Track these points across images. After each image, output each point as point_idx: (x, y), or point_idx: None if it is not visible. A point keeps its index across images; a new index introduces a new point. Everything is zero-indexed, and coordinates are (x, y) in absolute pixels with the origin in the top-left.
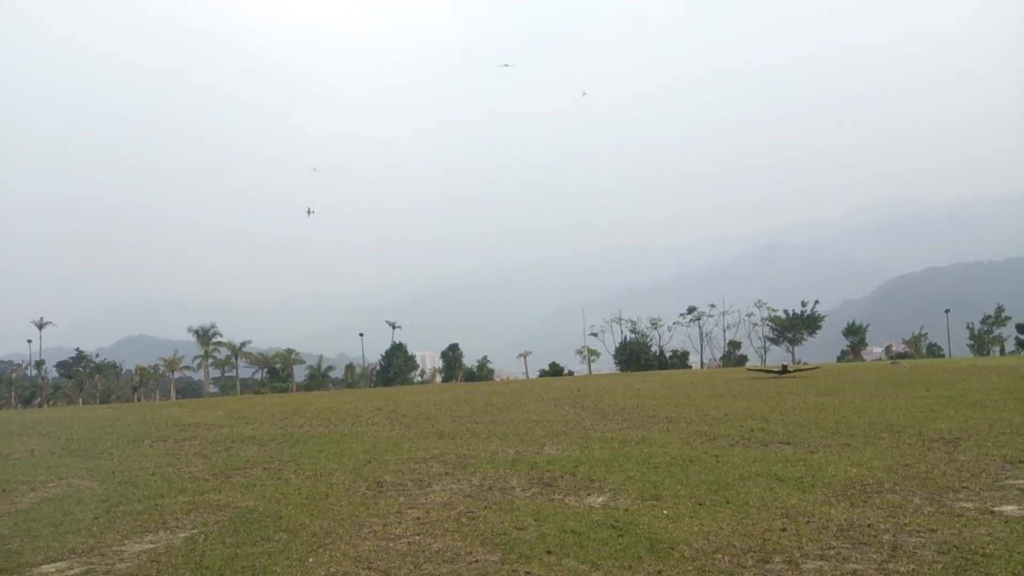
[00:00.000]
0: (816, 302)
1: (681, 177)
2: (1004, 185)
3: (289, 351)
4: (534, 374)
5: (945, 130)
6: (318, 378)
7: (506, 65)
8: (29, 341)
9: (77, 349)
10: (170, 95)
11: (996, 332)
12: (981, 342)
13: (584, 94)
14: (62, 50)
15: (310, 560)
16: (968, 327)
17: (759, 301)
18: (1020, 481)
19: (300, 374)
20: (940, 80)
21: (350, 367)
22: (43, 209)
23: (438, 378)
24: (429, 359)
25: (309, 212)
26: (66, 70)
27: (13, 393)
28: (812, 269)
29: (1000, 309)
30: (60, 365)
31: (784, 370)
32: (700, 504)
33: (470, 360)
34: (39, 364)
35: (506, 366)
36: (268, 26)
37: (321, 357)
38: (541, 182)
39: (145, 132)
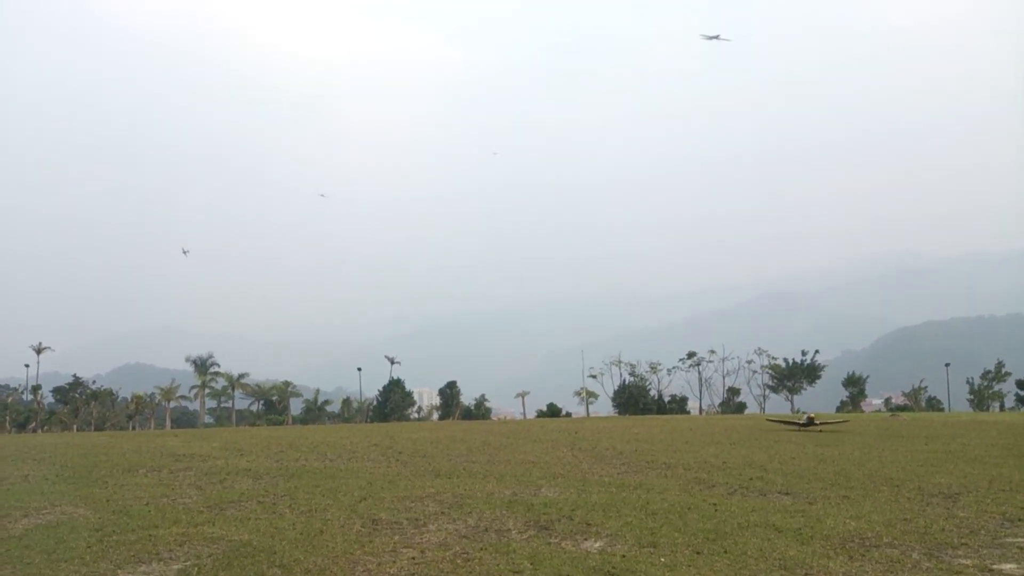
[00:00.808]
0: (816, 351)
1: (684, 220)
2: (1007, 238)
3: (286, 383)
4: (532, 414)
5: (946, 180)
6: (314, 411)
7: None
8: (26, 366)
9: (74, 375)
10: (175, 118)
11: (996, 387)
12: (981, 397)
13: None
14: (72, 71)
15: None
16: (968, 382)
17: (759, 348)
18: (1019, 539)
19: (296, 407)
20: (944, 128)
21: (347, 401)
22: (43, 232)
23: (435, 415)
24: (427, 395)
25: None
26: (75, 91)
27: (8, 417)
28: (812, 318)
29: (1000, 364)
30: (56, 391)
31: (810, 422)
32: (698, 553)
33: (467, 398)
34: (35, 389)
35: (503, 405)
36: (277, 55)
37: (318, 391)
38: (544, 220)
39: (149, 155)
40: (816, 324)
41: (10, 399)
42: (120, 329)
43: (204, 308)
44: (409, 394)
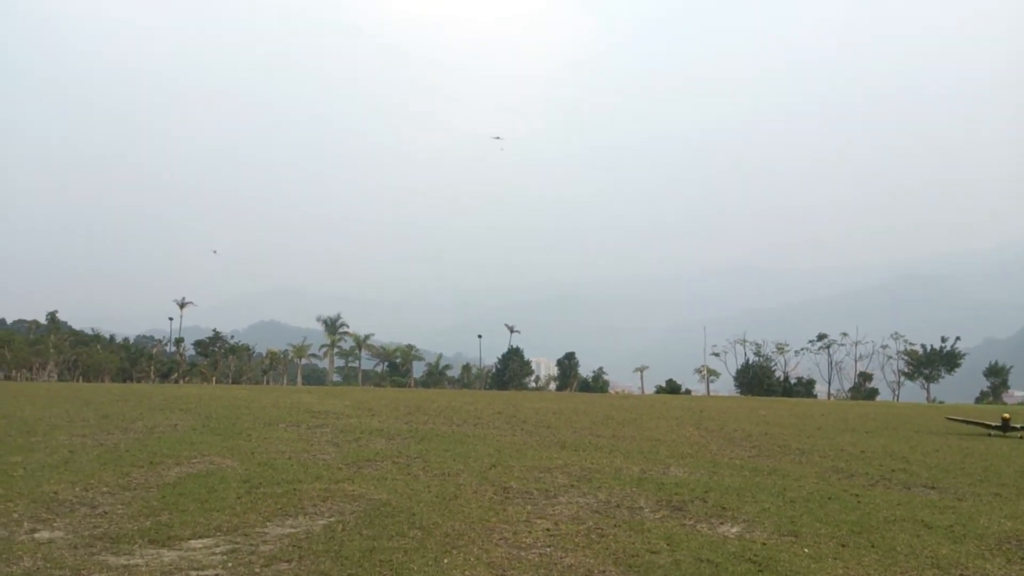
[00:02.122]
0: (957, 338)
1: (819, 199)
2: None
3: (410, 347)
4: (650, 389)
5: None
6: (435, 375)
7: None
8: (170, 319)
9: (214, 330)
10: (303, 87)
11: None
12: None
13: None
14: (206, 43)
15: (445, 561)
16: None
17: (895, 333)
18: None
19: (418, 370)
20: None
21: (467, 367)
22: (197, 203)
23: (552, 385)
24: (544, 365)
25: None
26: (215, 62)
27: (152, 367)
28: (954, 304)
29: None
30: (197, 344)
31: (1006, 425)
32: (843, 545)
33: (585, 370)
34: (178, 341)
35: (621, 379)
36: (401, 17)
37: (440, 356)
38: (669, 193)
39: (277, 123)
40: (958, 310)
41: (155, 350)
42: (255, 288)
43: (331, 270)
44: (527, 363)
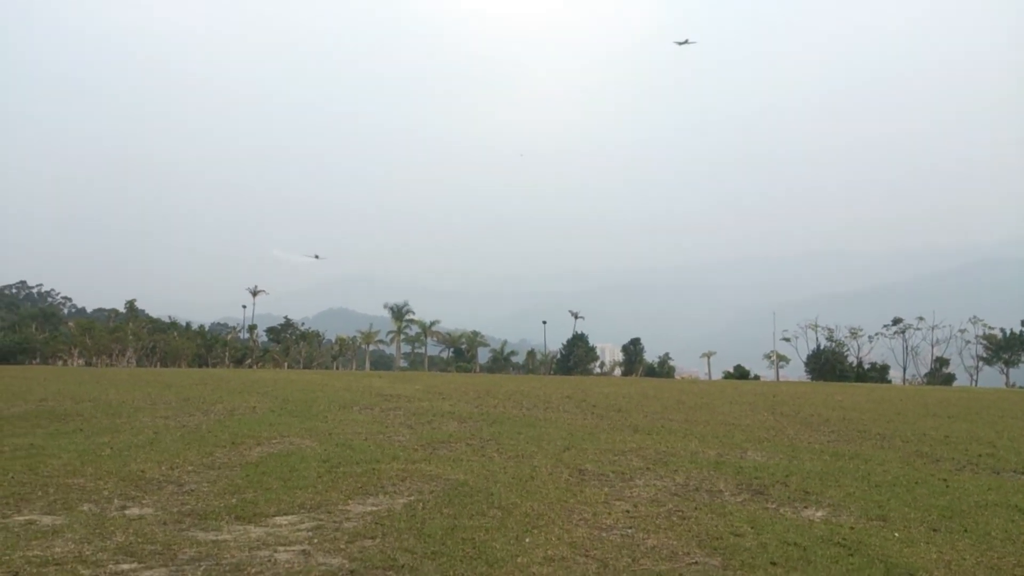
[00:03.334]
0: None
1: (892, 180)
2: None
3: (475, 333)
4: (716, 375)
5: None
6: (500, 361)
7: (521, 155)
8: (244, 307)
9: (285, 317)
10: (372, 84)
11: None
12: None
13: (521, 155)
14: (290, 48)
15: (527, 540)
16: None
17: (974, 317)
18: None
19: (483, 356)
20: None
21: (531, 353)
22: (271, 198)
23: (617, 371)
24: (609, 351)
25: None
26: (286, 67)
27: (227, 353)
28: None
29: None
30: (269, 330)
31: None
32: (934, 530)
33: (650, 355)
34: (251, 328)
35: (687, 364)
36: (458, 13)
37: (505, 342)
38: (736, 177)
39: (345, 123)
40: None
41: (229, 336)
42: (325, 275)
43: (398, 259)
44: (592, 349)
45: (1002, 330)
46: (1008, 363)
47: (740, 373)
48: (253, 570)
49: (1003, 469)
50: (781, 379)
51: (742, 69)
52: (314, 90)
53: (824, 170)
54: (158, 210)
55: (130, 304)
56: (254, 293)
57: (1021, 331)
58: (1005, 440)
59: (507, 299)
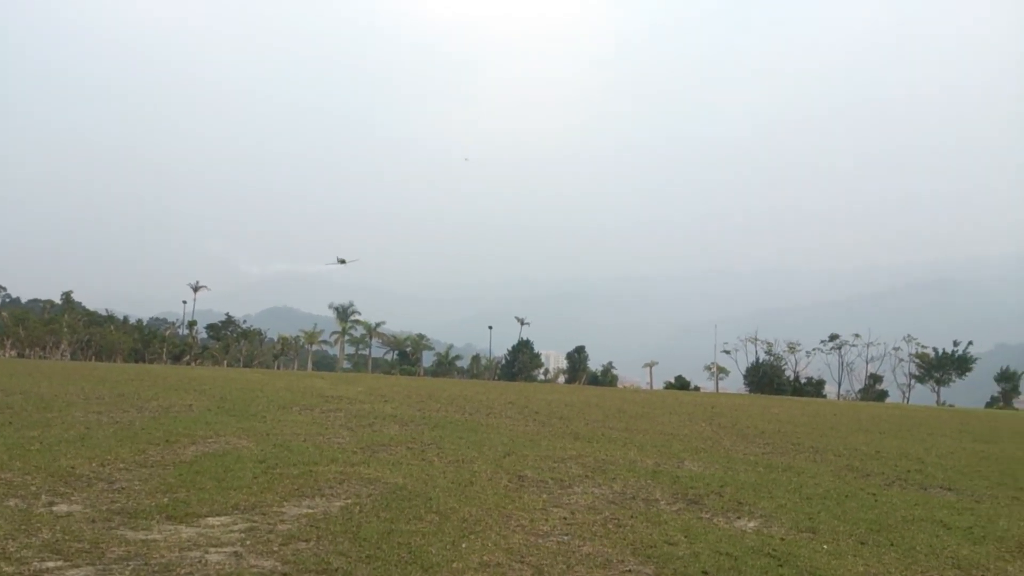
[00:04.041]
0: (969, 343)
1: (834, 202)
2: None
3: (420, 336)
4: (658, 385)
5: None
6: (445, 365)
7: (467, 159)
8: (184, 302)
9: (227, 314)
10: (312, 80)
11: None
12: None
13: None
14: (249, 46)
15: (463, 546)
16: None
17: (908, 336)
18: None
19: (428, 360)
20: None
21: (476, 358)
22: (211, 189)
23: (561, 378)
24: (553, 358)
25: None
26: (248, 62)
27: (165, 349)
28: (966, 309)
29: None
30: (210, 327)
31: None
32: (862, 543)
33: (594, 364)
34: (191, 324)
35: (629, 374)
36: (425, 17)
37: (451, 346)
38: (684, 193)
39: (288, 116)
40: (971, 315)
41: (168, 332)
42: (269, 273)
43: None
44: (537, 356)
45: (935, 350)
46: (939, 382)
47: (681, 384)
48: (183, 571)
49: (930, 485)
50: (721, 391)
51: (695, 96)
52: (266, 83)
53: (770, 192)
54: (99, 199)
55: (66, 296)
56: (195, 289)
57: (953, 351)
58: (933, 457)
59: (455, 304)
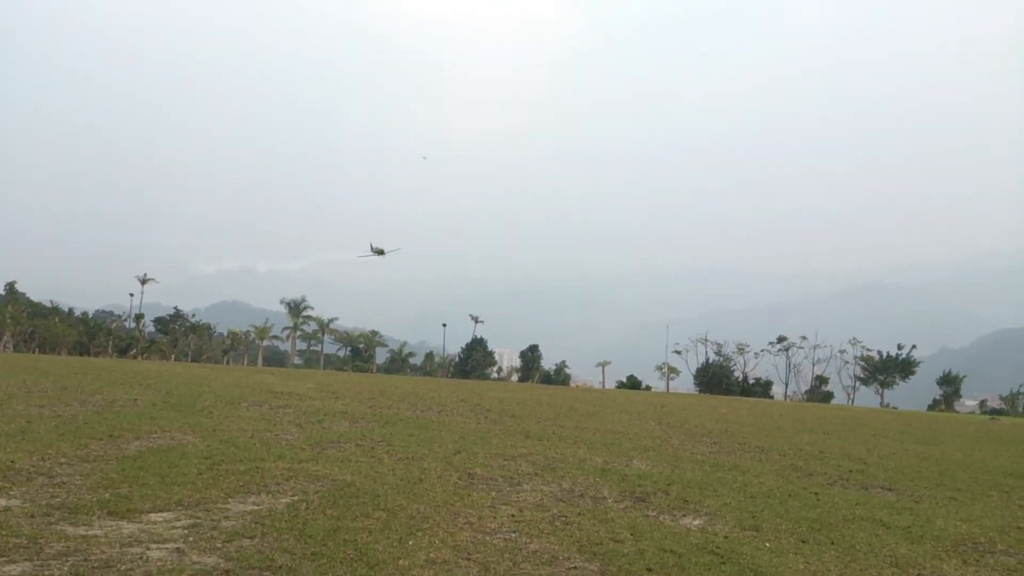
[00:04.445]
0: (913, 347)
1: (785, 207)
2: None
3: (373, 332)
4: (611, 385)
5: None
6: (398, 362)
7: (424, 158)
8: (131, 295)
9: (175, 307)
10: (273, 74)
11: None
12: None
13: (424, 157)
14: (223, 39)
15: (410, 543)
16: None
17: (854, 339)
18: None
19: (381, 356)
20: None
21: (430, 355)
22: (162, 181)
23: (514, 377)
24: (507, 356)
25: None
26: (222, 57)
27: (111, 342)
28: (912, 313)
29: None
30: (158, 321)
31: None
32: (803, 541)
33: (548, 363)
34: (138, 317)
35: (583, 373)
36: (392, 13)
37: (404, 343)
38: (639, 194)
39: (266, 110)
40: (916, 319)
41: (114, 325)
42: (221, 267)
43: (301, 254)
44: (491, 354)
45: (879, 352)
46: (883, 384)
47: (632, 383)
48: (123, 567)
49: (871, 485)
50: (671, 391)
51: (654, 99)
52: (229, 74)
53: (722, 197)
54: (46, 188)
55: (10, 286)
56: (143, 281)
57: (897, 354)
58: (875, 457)
59: (410, 301)
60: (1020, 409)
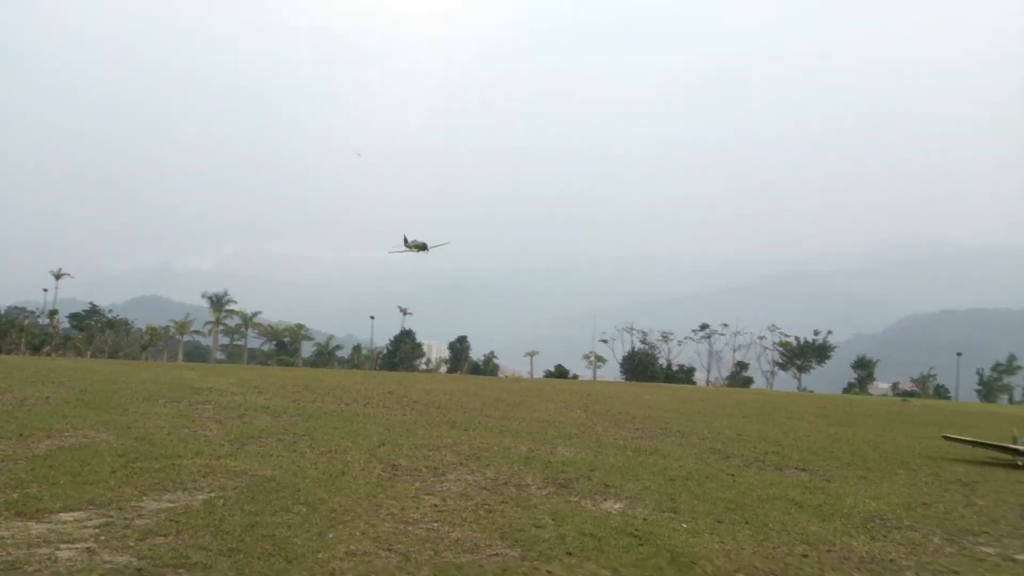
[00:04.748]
0: (829, 332)
1: (704, 196)
2: None
3: (299, 326)
4: (539, 374)
5: (977, 168)
6: (324, 355)
7: (359, 154)
8: (45, 290)
9: (91, 303)
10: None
11: (1006, 380)
12: (990, 389)
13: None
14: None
15: (330, 535)
16: (978, 373)
17: (772, 325)
18: None
19: (307, 350)
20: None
21: (357, 348)
22: (75, 161)
23: (443, 368)
24: (436, 348)
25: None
26: (166, 43)
27: (23, 339)
28: (828, 301)
29: (1012, 358)
30: (73, 317)
31: None
32: (719, 521)
33: (476, 354)
34: (52, 313)
35: (511, 363)
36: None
37: (331, 336)
38: (563, 186)
39: (188, 89)
40: (832, 305)
41: (27, 321)
42: (140, 262)
43: (225, 247)
44: (419, 345)
45: (797, 339)
46: (801, 369)
47: (560, 373)
48: (31, 568)
49: (785, 466)
50: (598, 379)
51: (583, 93)
52: (159, 64)
53: (649, 188)
54: None
55: None
56: (57, 276)
57: (814, 340)
58: (790, 439)
59: (338, 293)
60: (931, 391)
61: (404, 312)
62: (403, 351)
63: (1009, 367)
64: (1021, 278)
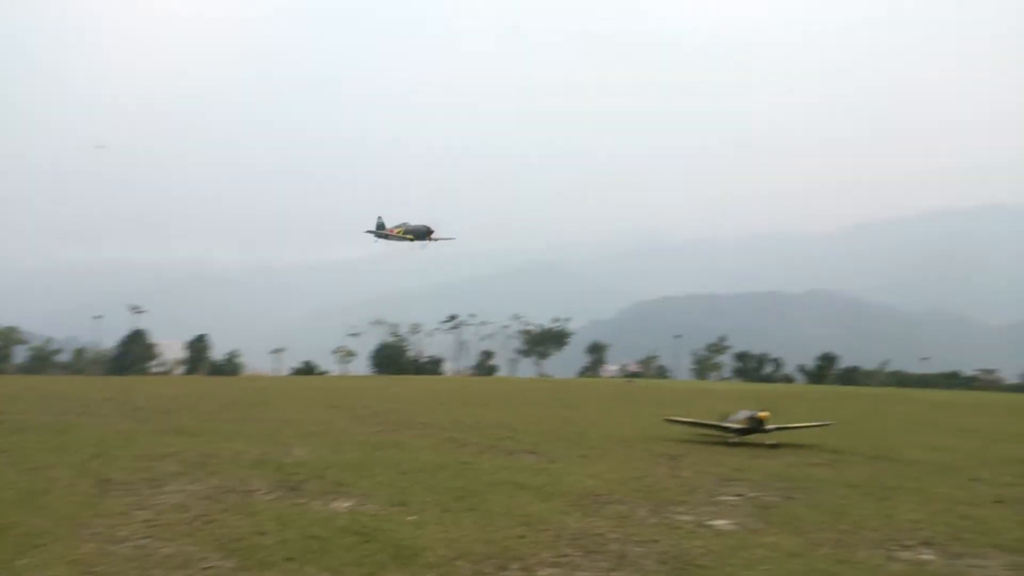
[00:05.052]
0: (567, 319)
1: (454, 188)
2: (739, 226)
3: (10, 329)
4: (288, 372)
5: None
6: (41, 360)
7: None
8: None
9: None
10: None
11: (717, 359)
12: (703, 367)
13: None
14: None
15: (22, 562)
16: (693, 353)
17: (516, 315)
18: (730, 497)
19: (21, 355)
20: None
21: (80, 351)
22: None
23: (180, 369)
24: (173, 348)
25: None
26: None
27: None
28: (566, 288)
29: (722, 338)
30: None
31: (758, 426)
32: (446, 511)
33: (219, 352)
34: None
35: (257, 361)
36: None
37: (49, 339)
38: (327, 173)
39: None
40: (569, 294)
41: None
42: None
43: None
44: (152, 346)
45: (538, 326)
46: (541, 355)
47: (308, 369)
48: None
49: (516, 450)
50: (350, 373)
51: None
52: None
53: (392, 186)
54: None
55: None
56: None
57: (553, 327)
58: (524, 424)
59: (57, 292)
60: (653, 371)
61: (136, 311)
62: (134, 353)
63: (719, 347)
64: (728, 267)
